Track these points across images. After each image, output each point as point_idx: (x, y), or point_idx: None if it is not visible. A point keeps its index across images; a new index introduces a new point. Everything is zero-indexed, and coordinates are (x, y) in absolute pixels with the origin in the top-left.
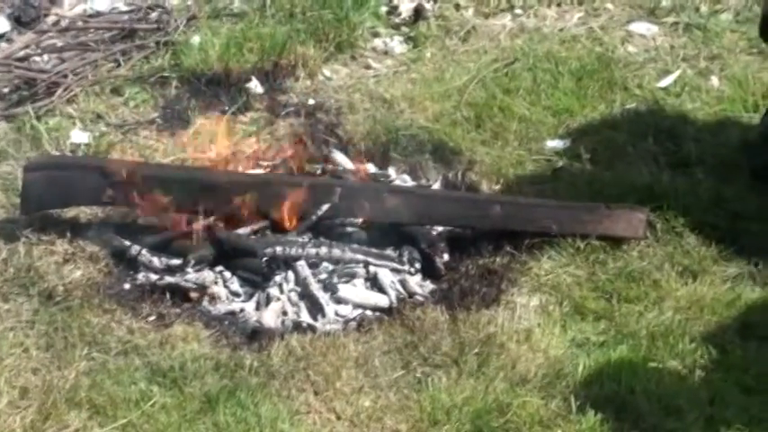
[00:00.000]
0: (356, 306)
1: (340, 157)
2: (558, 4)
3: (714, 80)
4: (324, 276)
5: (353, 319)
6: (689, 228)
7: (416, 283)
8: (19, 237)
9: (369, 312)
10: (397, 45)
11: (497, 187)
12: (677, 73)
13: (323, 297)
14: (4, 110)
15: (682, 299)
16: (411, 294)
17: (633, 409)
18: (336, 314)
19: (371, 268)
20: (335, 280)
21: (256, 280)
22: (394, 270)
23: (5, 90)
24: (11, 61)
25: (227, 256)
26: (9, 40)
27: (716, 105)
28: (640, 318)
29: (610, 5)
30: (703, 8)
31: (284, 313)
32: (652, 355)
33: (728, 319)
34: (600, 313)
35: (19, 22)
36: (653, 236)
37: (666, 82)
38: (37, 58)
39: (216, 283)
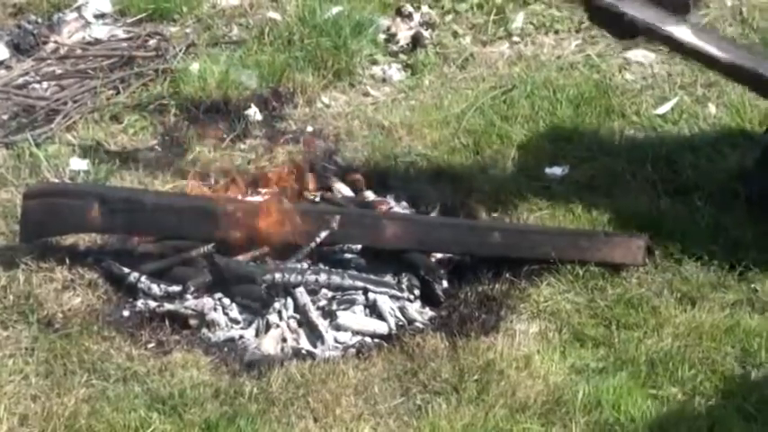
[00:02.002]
0: (355, 333)
1: (338, 185)
2: (556, 32)
3: (711, 107)
4: (323, 303)
5: (353, 345)
6: (687, 254)
7: (416, 309)
8: (18, 264)
9: (368, 339)
10: (396, 72)
11: (496, 214)
12: (675, 100)
13: (322, 324)
14: (3, 137)
15: (681, 325)
16: (410, 321)
17: None
18: (336, 341)
19: (371, 295)
20: (335, 307)
21: (255, 307)
22: (393, 297)
23: (5, 117)
24: (10, 89)
25: (227, 282)
26: (8, 68)
27: (713, 132)
28: (639, 344)
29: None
30: None
31: (284, 340)
32: (651, 381)
33: (728, 346)
34: (599, 340)
35: (18, 49)
36: (652, 263)
37: (664, 109)
38: (36, 86)
39: (215, 309)
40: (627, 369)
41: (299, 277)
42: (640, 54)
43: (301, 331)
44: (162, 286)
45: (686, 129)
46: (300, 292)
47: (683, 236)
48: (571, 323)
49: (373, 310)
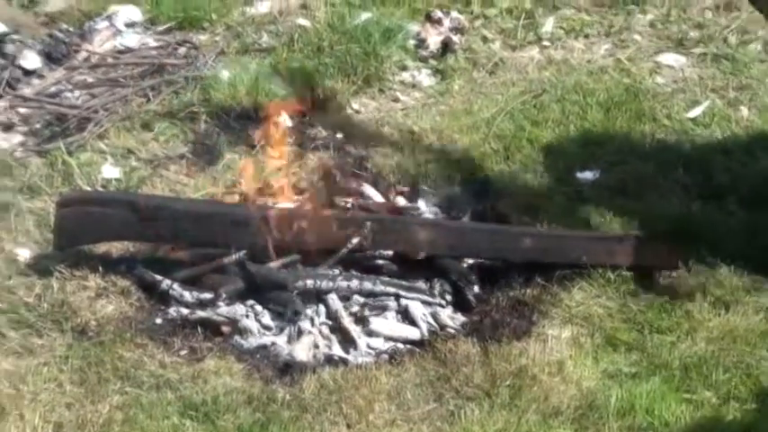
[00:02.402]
0: (388, 339)
1: (369, 191)
2: (586, 36)
3: (743, 110)
4: (355, 309)
5: (385, 351)
6: (720, 258)
7: (448, 315)
8: (52, 272)
9: (400, 345)
10: (426, 78)
11: (527, 219)
12: (706, 103)
13: (354, 330)
14: (36, 145)
15: (715, 329)
16: (442, 327)
17: None
18: (368, 347)
19: (403, 301)
20: (367, 313)
21: (288, 313)
22: (425, 302)
23: (38, 126)
24: (42, 97)
25: (259, 289)
26: (41, 77)
27: (745, 136)
28: (673, 348)
29: (638, 37)
30: (732, 39)
31: (316, 346)
32: (685, 386)
33: (762, 350)
34: (632, 344)
35: (50, 58)
36: (684, 266)
37: (695, 113)
38: (68, 94)
39: (247, 316)
40: (660, 374)
41: (331, 283)
42: (671, 58)
43: (333, 337)
44: (194, 293)
45: (718, 132)
46: (332, 299)
47: (716, 239)
48: (603, 328)
49: (405, 316)
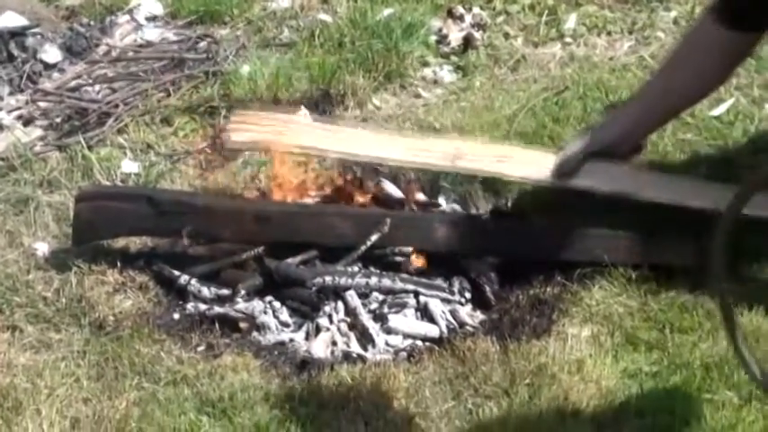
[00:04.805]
0: (406, 336)
1: (389, 187)
2: (609, 33)
3: None
4: (374, 306)
5: (404, 349)
6: (744, 256)
7: (467, 313)
8: (71, 267)
9: (419, 343)
10: (447, 74)
11: (547, 216)
12: (730, 101)
13: (373, 327)
14: (56, 139)
15: None
16: (461, 324)
17: None
18: (387, 344)
19: (422, 298)
20: (386, 310)
21: (306, 310)
22: (444, 300)
23: (58, 120)
24: (63, 91)
25: (277, 285)
26: (61, 71)
27: None
28: (694, 348)
29: (660, 34)
30: None
31: (334, 343)
32: (707, 386)
33: None
34: (652, 343)
35: (70, 52)
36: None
37: (719, 111)
38: (88, 89)
39: (265, 312)
40: (681, 373)
41: (350, 280)
42: None
43: (352, 334)
44: (212, 289)
45: (742, 130)
46: (351, 296)
47: (740, 238)
48: (624, 327)
49: (424, 314)
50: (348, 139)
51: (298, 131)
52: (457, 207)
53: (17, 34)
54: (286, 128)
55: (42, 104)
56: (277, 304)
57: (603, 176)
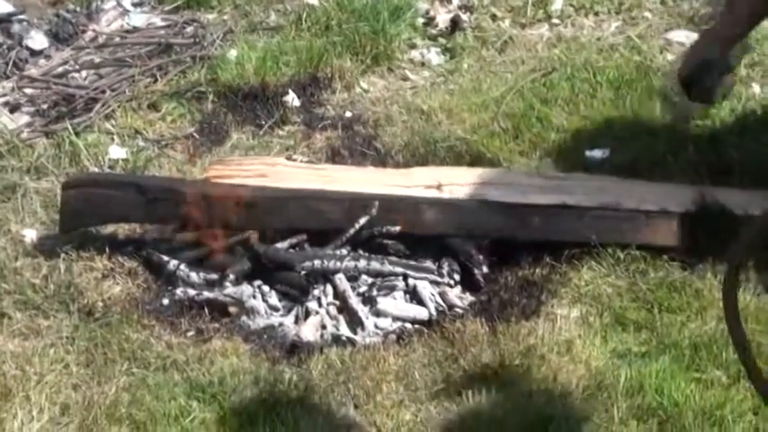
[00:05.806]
0: (395, 319)
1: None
2: (596, 14)
3: (755, 87)
4: (363, 289)
5: (393, 331)
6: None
7: (456, 295)
8: (59, 253)
9: (408, 325)
10: (435, 56)
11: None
12: None
13: (362, 310)
14: (43, 126)
15: None
16: (450, 307)
17: (676, 421)
18: (376, 327)
19: (411, 281)
20: (375, 293)
21: (295, 294)
22: (433, 282)
23: (44, 106)
24: (49, 78)
25: (266, 269)
26: (47, 57)
27: (757, 113)
28: (683, 328)
29: (648, 14)
30: None
31: (323, 327)
32: (695, 365)
33: None
34: (641, 324)
35: (57, 38)
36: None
37: None
38: (75, 75)
39: (254, 297)
40: (670, 353)
41: (339, 263)
42: (682, 34)
43: (341, 318)
44: (201, 274)
45: (729, 109)
46: (340, 279)
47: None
48: (612, 307)
49: (413, 296)
50: (330, 178)
51: (281, 174)
52: None
53: (3, 21)
54: (270, 169)
55: (29, 91)
56: (266, 288)
57: None
